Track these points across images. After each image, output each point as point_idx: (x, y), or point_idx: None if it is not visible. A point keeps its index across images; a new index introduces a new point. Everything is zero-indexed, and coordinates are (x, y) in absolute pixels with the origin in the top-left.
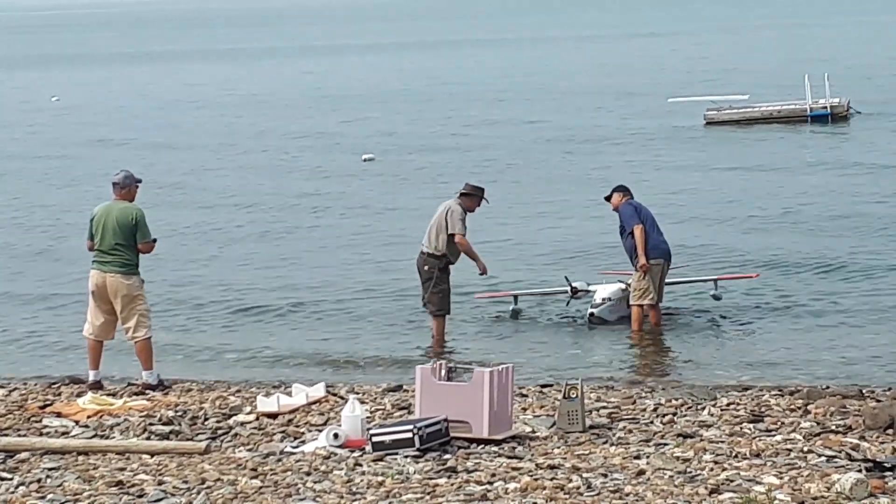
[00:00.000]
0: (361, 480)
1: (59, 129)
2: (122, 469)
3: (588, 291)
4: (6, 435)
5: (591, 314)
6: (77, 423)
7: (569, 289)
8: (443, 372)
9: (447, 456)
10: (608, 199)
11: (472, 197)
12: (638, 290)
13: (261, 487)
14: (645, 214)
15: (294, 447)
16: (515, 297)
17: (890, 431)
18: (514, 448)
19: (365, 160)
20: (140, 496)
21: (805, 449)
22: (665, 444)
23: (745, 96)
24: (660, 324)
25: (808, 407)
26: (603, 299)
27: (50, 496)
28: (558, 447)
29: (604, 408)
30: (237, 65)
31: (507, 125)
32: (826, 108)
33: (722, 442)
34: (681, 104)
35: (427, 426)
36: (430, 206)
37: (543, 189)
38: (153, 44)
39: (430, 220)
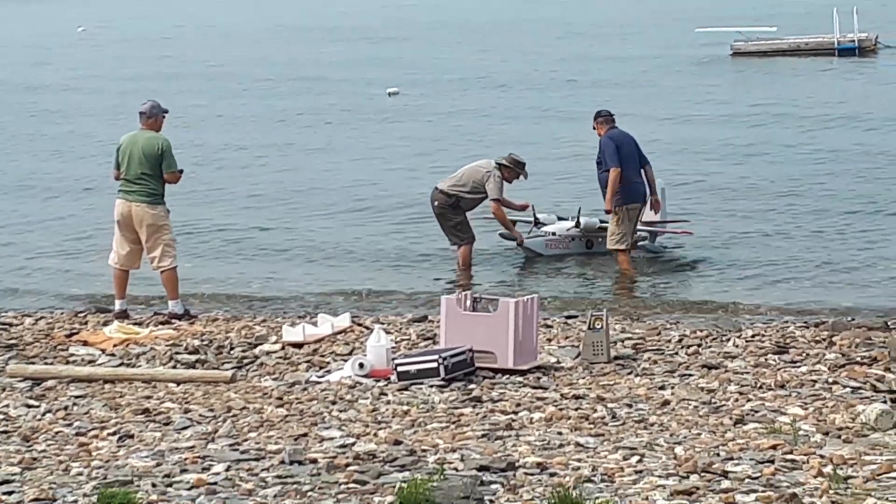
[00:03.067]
0: (386, 409)
1: (91, 60)
2: (149, 397)
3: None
4: (33, 363)
5: (520, 243)
6: (103, 351)
7: (532, 219)
8: (468, 302)
9: (472, 386)
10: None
11: (512, 170)
12: (614, 234)
13: (286, 416)
14: (627, 151)
15: (319, 376)
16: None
17: None
18: (538, 378)
19: (390, 94)
20: (166, 423)
21: (830, 380)
22: (690, 375)
23: (772, 28)
24: (628, 269)
25: (833, 338)
26: (545, 232)
27: (76, 423)
28: (583, 377)
29: (629, 339)
30: None
31: (532, 58)
32: (854, 41)
33: (746, 373)
34: (708, 34)
35: (452, 356)
36: (458, 140)
37: (563, 122)
38: None
39: (461, 167)
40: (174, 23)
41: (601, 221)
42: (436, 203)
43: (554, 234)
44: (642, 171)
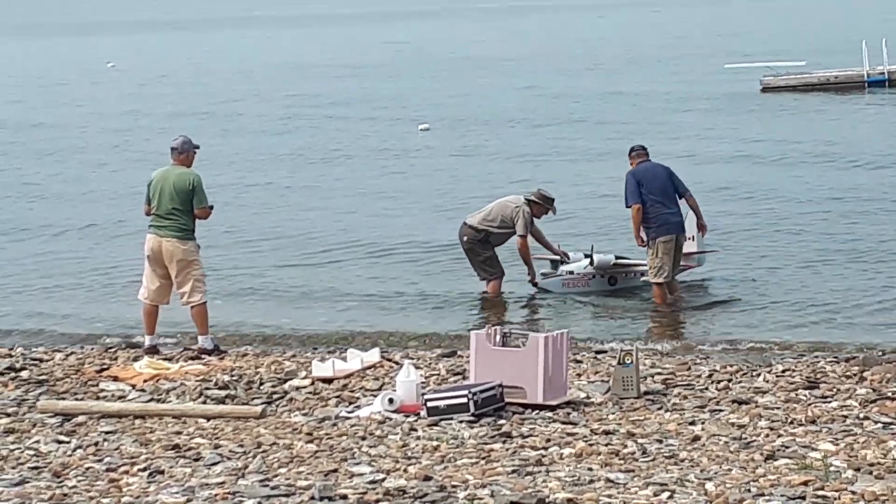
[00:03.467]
0: (416, 445)
1: (117, 96)
2: (179, 433)
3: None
4: (64, 398)
5: (532, 282)
6: (133, 387)
7: (559, 259)
8: (497, 337)
9: (502, 421)
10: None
11: (541, 206)
12: (652, 267)
13: (316, 451)
14: (654, 185)
15: (349, 412)
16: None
17: None
18: (568, 414)
19: (421, 130)
20: (196, 459)
21: (861, 415)
22: (720, 411)
23: (802, 62)
24: (669, 299)
25: (864, 373)
26: (563, 272)
27: (107, 459)
28: (613, 413)
29: (658, 374)
30: (269, 30)
31: (563, 94)
32: (884, 73)
33: (777, 408)
34: (737, 70)
35: (482, 391)
36: (487, 177)
37: (595, 158)
38: (189, 10)
39: (489, 202)
40: (191, 59)
41: (617, 258)
42: (465, 238)
43: (571, 272)
44: (683, 200)
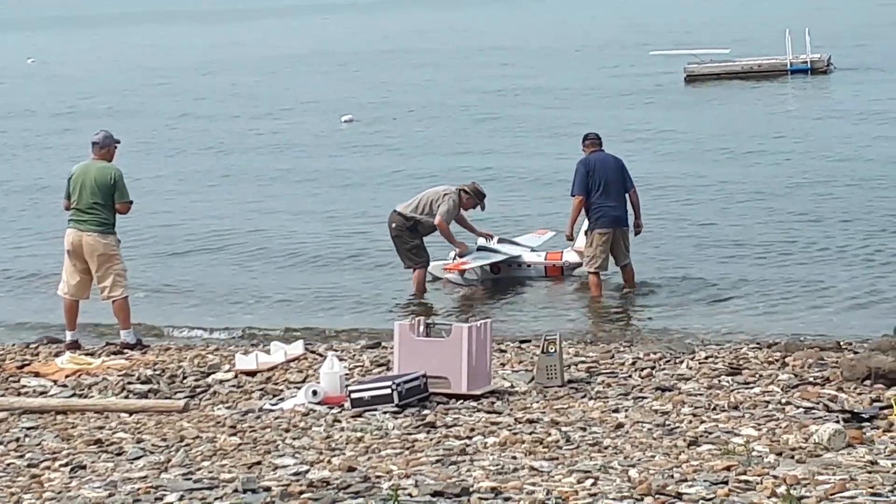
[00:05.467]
0: (340, 437)
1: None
2: (101, 427)
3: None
4: None
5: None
6: (55, 382)
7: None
8: (421, 328)
9: (426, 412)
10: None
11: (472, 198)
12: (586, 256)
13: (240, 444)
14: (603, 176)
15: (273, 404)
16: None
17: (867, 383)
18: (492, 403)
19: (345, 122)
20: (119, 454)
21: (783, 401)
22: (643, 398)
23: (726, 50)
24: (632, 281)
25: (786, 359)
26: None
27: (28, 455)
28: (537, 402)
29: (582, 362)
30: (209, 26)
31: (486, 83)
32: (806, 62)
33: (700, 395)
34: (662, 57)
35: (406, 382)
36: (412, 167)
37: (520, 145)
38: (118, 6)
39: (420, 191)
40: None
41: (501, 240)
42: (393, 225)
43: (455, 258)
44: (627, 195)
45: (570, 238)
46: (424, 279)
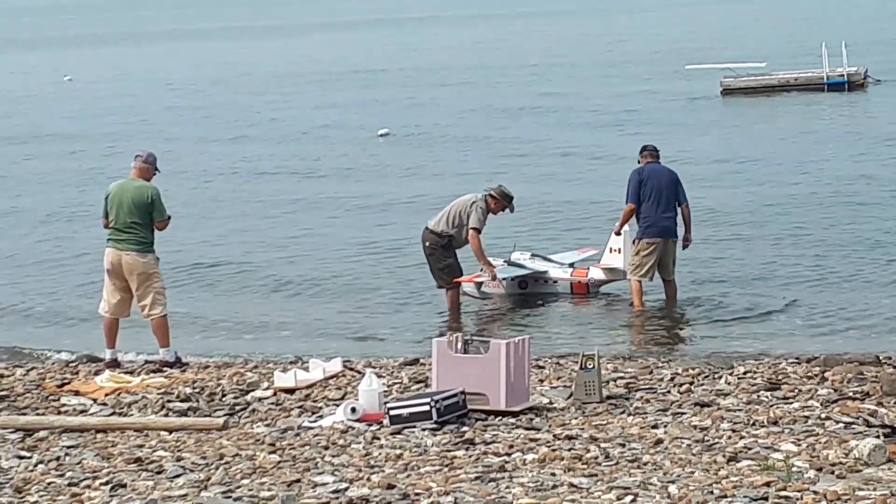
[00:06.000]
0: (379, 454)
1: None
2: (141, 446)
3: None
4: (25, 414)
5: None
6: (95, 401)
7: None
8: (459, 344)
9: (465, 428)
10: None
11: (500, 202)
12: (632, 264)
13: (279, 462)
14: (655, 187)
15: (312, 422)
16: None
17: None
18: (531, 419)
19: (381, 135)
20: (158, 472)
21: (822, 416)
22: (682, 413)
23: (762, 64)
24: (673, 299)
25: (826, 374)
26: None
27: (69, 473)
28: (575, 418)
29: (620, 378)
30: (238, 42)
31: (523, 98)
32: (843, 76)
33: (739, 410)
34: (698, 71)
35: (444, 399)
36: (447, 180)
37: (558, 161)
38: (152, 23)
39: (447, 204)
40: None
41: (533, 255)
42: (427, 244)
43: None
44: (679, 209)
45: (618, 233)
46: (458, 298)
